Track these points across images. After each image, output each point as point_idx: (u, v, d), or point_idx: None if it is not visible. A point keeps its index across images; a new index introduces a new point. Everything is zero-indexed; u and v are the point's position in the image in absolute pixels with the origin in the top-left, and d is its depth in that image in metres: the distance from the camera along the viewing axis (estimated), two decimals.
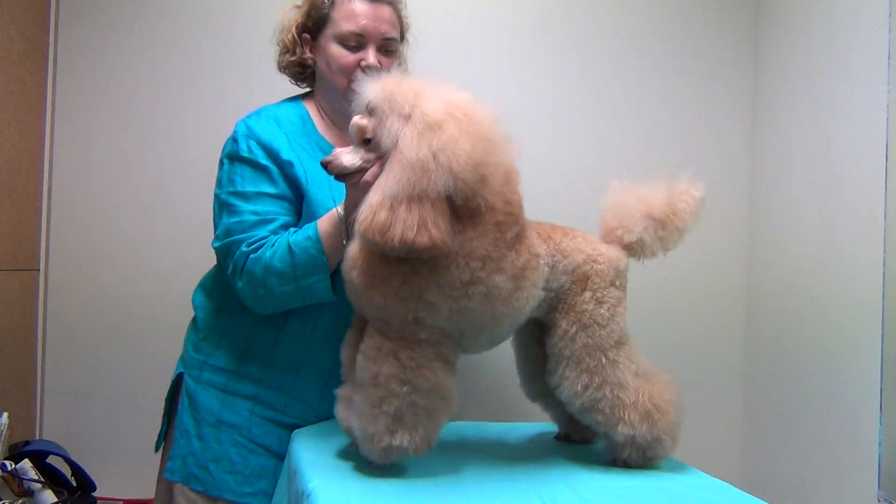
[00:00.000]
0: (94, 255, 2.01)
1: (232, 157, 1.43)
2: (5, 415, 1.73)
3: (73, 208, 2.01)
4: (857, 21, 1.68)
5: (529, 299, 1.22)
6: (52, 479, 1.73)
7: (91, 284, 2.00)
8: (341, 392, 1.29)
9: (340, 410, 1.27)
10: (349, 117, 1.49)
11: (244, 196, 1.39)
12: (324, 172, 1.45)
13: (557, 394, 1.30)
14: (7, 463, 1.64)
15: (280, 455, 1.48)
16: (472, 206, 1.13)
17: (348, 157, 1.20)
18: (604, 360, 1.26)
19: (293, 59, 1.51)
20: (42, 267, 2.00)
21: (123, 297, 2.00)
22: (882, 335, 1.54)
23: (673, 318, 2.09)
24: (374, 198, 1.11)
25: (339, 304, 1.32)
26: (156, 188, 2.01)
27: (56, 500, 1.64)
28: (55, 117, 2.01)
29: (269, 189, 1.40)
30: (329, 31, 1.46)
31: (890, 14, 1.55)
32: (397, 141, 1.12)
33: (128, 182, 2.01)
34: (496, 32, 2.08)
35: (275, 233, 1.37)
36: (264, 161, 1.41)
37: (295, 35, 1.50)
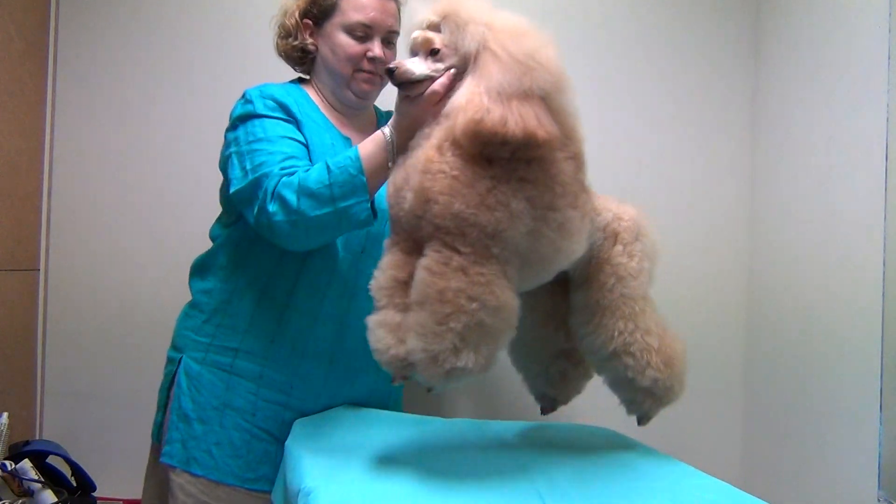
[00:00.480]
0: (94, 255, 2.01)
1: (246, 116, 1.40)
2: (5, 415, 1.73)
3: (73, 208, 2.02)
4: (857, 21, 1.68)
5: (581, 247, 1.23)
6: (52, 479, 1.73)
7: (91, 284, 2.01)
8: (378, 319, 1.15)
9: (383, 338, 1.14)
10: (351, 104, 1.52)
11: (269, 140, 1.36)
12: (329, 147, 1.44)
13: (588, 343, 1.32)
14: (7, 463, 1.64)
15: (282, 440, 1.44)
16: (557, 121, 1.12)
17: (415, 64, 1.16)
18: (636, 308, 1.30)
19: (295, 43, 1.52)
20: (42, 267, 2.01)
21: (123, 297, 2.00)
22: (882, 335, 1.54)
23: (673, 318, 2.07)
24: (474, 94, 1.07)
25: (345, 280, 1.29)
26: (155, 188, 2.01)
27: (56, 500, 1.65)
28: (55, 117, 2.02)
29: (295, 135, 1.39)
30: (336, 20, 1.47)
31: (890, 14, 1.55)
32: (486, 43, 1.10)
33: (128, 182, 2.01)
34: None
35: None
36: (283, 115, 1.40)
37: (297, 20, 1.51)
